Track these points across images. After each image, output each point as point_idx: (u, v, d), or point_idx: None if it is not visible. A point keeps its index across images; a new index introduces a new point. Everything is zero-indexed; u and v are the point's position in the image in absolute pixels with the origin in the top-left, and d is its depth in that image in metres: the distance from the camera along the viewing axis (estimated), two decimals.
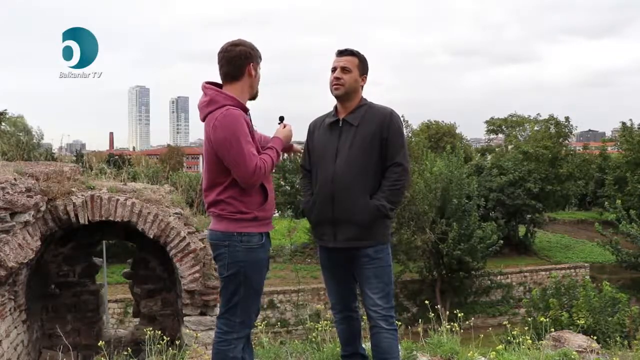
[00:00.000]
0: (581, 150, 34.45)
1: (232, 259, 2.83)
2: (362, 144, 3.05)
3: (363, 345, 3.42)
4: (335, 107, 3.21)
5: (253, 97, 2.98)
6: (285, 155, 3.31)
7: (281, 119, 3.12)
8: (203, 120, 2.86)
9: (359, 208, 3.00)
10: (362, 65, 3.15)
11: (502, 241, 23.89)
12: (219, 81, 2.92)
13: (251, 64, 2.87)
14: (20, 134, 28.68)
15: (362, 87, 3.20)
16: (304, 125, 3.46)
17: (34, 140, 30.93)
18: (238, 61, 2.85)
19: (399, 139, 3.08)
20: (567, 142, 31.76)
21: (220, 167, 2.79)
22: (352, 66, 3.10)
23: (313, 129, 3.30)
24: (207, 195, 2.89)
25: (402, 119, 3.29)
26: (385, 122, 3.07)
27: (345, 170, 3.04)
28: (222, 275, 2.89)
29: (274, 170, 3.57)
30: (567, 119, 31.21)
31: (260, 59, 2.96)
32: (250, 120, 2.92)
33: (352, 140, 3.07)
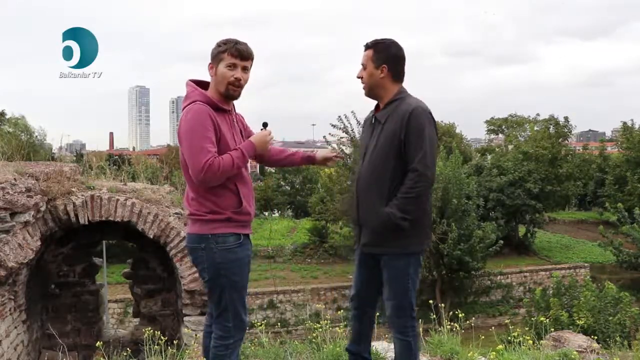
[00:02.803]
0: (581, 150, 34.45)
1: (210, 261, 2.74)
2: (383, 145, 2.81)
3: (370, 349, 3.36)
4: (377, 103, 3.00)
5: (229, 96, 2.78)
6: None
7: (264, 125, 2.92)
8: None
9: (372, 214, 2.82)
10: (378, 55, 2.85)
11: (502, 241, 23.88)
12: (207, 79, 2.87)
13: (210, 62, 2.79)
14: (22, 134, 28.59)
15: (390, 77, 2.87)
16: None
17: (37, 140, 30.80)
18: None
19: (416, 140, 2.73)
20: (566, 142, 31.76)
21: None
22: (365, 61, 2.89)
23: (363, 125, 3.17)
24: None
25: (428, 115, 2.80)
26: (405, 119, 2.75)
27: (367, 173, 2.87)
28: (205, 279, 2.82)
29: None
30: (566, 119, 31.22)
31: (225, 54, 2.73)
32: (232, 120, 2.82)
33: (377, 140, 2.84)
